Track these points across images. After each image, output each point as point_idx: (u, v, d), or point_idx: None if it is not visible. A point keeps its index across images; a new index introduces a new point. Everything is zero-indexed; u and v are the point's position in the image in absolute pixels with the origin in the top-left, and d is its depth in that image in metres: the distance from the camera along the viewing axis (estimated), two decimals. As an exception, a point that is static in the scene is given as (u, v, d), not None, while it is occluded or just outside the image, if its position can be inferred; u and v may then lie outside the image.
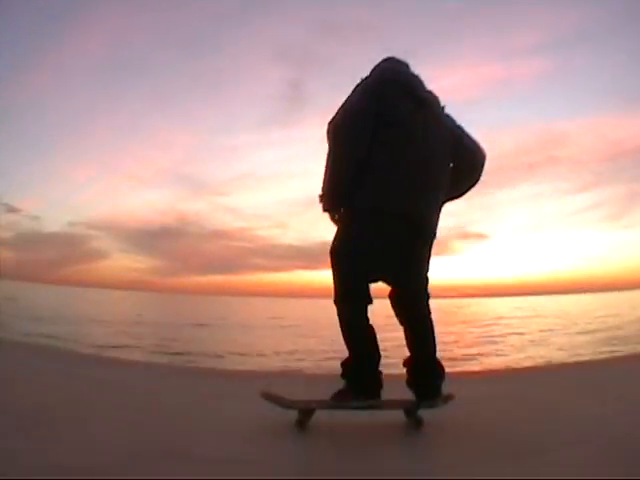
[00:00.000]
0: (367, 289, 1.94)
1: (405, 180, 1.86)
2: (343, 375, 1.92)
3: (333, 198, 1.94)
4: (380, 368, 1.94)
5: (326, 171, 1.92)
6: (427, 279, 2.03)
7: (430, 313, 2.01)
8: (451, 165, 2.03)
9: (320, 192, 1.95)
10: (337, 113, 1.90)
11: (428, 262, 2.02)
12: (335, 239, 1.95)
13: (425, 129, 1.92)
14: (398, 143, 1.88)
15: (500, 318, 22.36)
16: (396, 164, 1.87)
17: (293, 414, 1.87)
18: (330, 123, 1.90)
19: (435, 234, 2.01)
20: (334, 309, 1.91)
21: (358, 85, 1.94)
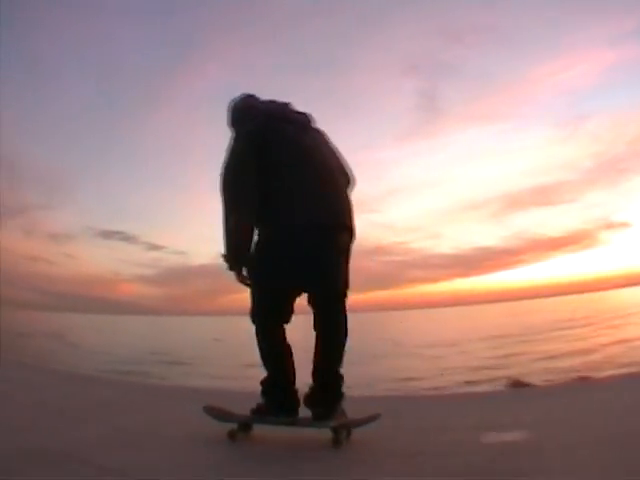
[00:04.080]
0: (282, 308, 2.07)
1: (302, 195, 2.02)
2: (262, 392, 2.07)
3: (234, 259, 2.05)
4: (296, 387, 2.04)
5: (224, 232, 2.04)
6: (346, 283, 2.13)
7: (346, 319, 2.09)
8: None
9: (223, 252, 2.05)
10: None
11: (344, 266, 2.12)
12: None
13: (310, 147, 2.11)
14: (287, 169, 2.05)
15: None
16: (290, 187, 2.04)
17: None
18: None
19: (350, 236, 2.13)
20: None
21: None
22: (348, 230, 2.13)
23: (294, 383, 2.06)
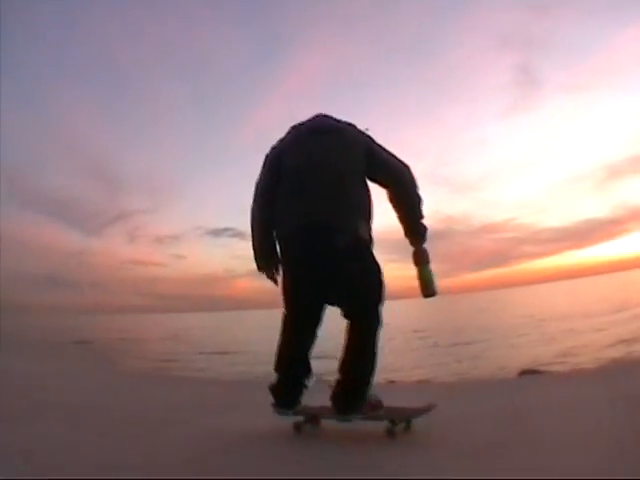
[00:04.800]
0: (305, 317, 2.18)
1: (287, 204, 2.15)
2: (269, 387, 2.20)
3: (260, 259, 2.24)
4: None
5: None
6: (369, 289, 2.13)
7: (376, 329, 2.11)
8: (365, 176, 2.19)
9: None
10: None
11: (365, 273, 2.11)
12: None
13: (307, 152, 2.17)
14: (285, 180, 2.19)
15: None
16: (282, 195, 2.18)
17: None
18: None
19: (358, 239, 2.10)
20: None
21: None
22: (342, 232, 2.08)
23: (301, 384, 2.21)
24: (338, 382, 2.13)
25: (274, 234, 2.23)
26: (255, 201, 2.30)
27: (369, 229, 2.19)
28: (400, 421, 2.11)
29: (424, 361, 9.57)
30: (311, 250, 2.10)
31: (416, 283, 2.25)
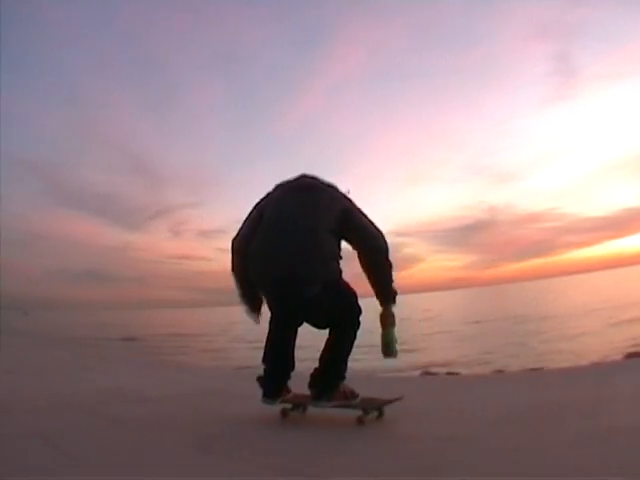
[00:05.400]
0: (289, 330, 2.45)
1: (259, 252, 2.39)
2: (257, 379, 2.46)
3: (244, 304, 2.55)
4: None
5: None
6: (347, 309, 2.39)
7: (354, 333, 2.39)
8: (340, 236, 2.38)
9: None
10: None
11: (337, 300, 2.34)
12: None
13: (284, 207, 2.42)
14: (260, 229, 2.43)
15: None
16: (256, 242, 2.41)
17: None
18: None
19: (327, 283, 2.29)
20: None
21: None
22: (311, 283, 2.27)
23: (287, 375, 2.47)
24: (313, 372, 2.42)
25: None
26: (236, 251, 2.53)
27: (339, 266, 2.40)
28: (371, 410, 2.36)
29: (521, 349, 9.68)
30: (283, 299, 2.39)
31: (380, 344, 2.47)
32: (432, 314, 28.29)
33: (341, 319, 2.41)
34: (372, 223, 2.46)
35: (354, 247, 2.44)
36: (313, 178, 2.55)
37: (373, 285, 2.44)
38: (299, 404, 2.56)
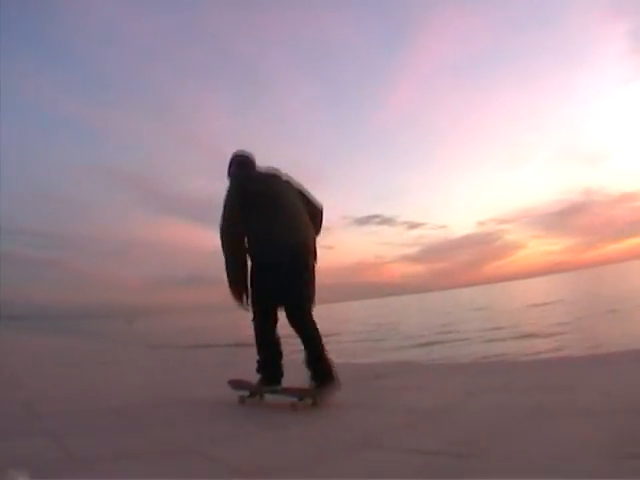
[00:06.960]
0: (270, 313, 2.82)
1: (266, 237, 2.73)
2: (256, 370, 2.84)
3: (234, 294, 2.80)
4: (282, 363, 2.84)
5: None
6: (308, 298, 2.78)
7: (315, 323, 2.75)
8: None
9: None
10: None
11: (308, 285, 2.79)
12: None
13: (271, 196, 2.78)
14: (257, 214, 2.74)
15: None
16: (258, 229, 2.75)
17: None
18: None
19: (307, 262, 2.78)
20: None
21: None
22: (312, 253, 2.85)
23: (279, 363, 2.85)
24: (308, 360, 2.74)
25: (246, 257, 2.79)
26: (225, 230, 2.80)
27: None
28: (305, 397, 2.64)
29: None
30: (293, 268, 2.71)
31: None
32: (555, 298, 26.26)
33: (303, 302, 2.76)
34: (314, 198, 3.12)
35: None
36: (242, 156, 2.97)
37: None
38: (255, 391, 2.88)
